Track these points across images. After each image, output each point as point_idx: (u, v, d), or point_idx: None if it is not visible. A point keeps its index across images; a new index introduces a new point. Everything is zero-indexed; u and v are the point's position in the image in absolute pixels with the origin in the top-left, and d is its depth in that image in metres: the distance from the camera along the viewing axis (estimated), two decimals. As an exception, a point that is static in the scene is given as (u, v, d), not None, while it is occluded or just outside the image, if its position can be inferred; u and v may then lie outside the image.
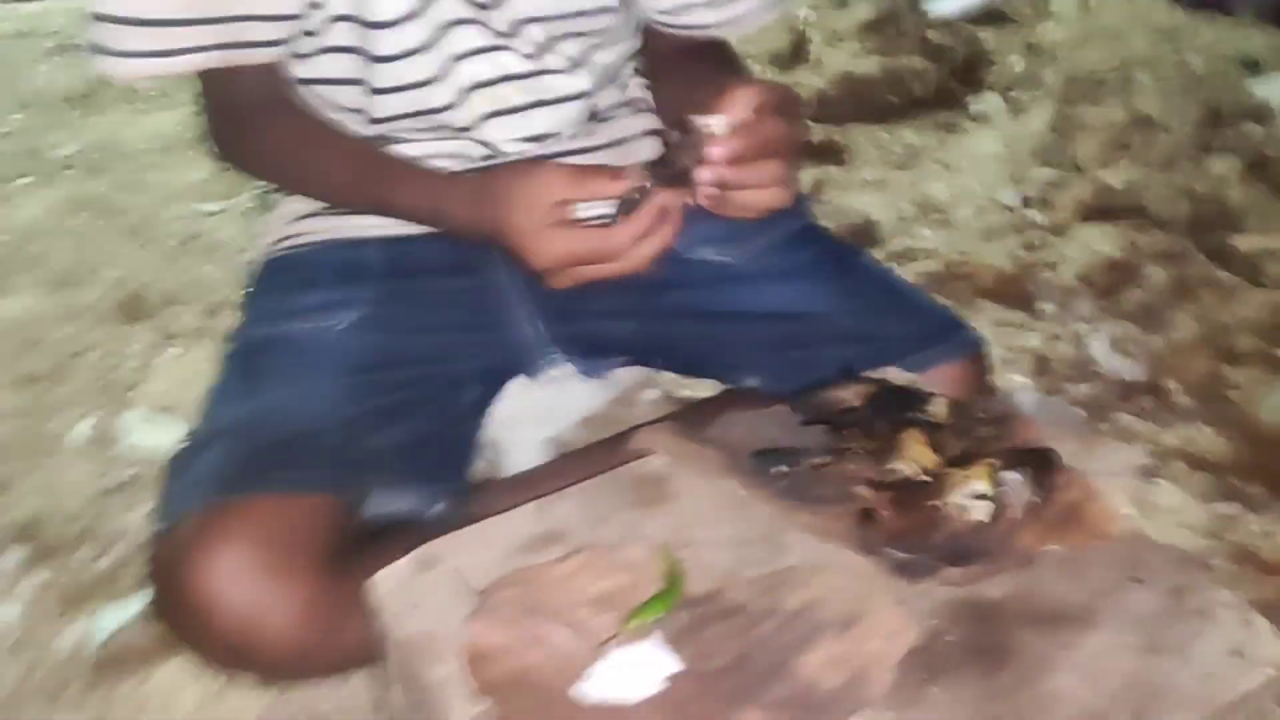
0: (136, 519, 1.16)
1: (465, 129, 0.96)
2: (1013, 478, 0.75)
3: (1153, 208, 1.79)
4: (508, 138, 0.97)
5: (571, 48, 0.97)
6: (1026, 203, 1.89)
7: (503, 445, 1.16)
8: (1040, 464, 0.77)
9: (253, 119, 0.93)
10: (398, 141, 0.96)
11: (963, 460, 0.77)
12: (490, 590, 0.71)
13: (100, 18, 0.86)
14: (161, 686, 0.97)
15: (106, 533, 1.15)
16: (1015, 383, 1.44)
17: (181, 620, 0.79)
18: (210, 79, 0.92)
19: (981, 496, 0.75)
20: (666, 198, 0.81)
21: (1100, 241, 1.69)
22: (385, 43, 0.89)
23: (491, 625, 0.69)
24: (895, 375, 0.91)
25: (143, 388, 1.38)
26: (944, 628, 0.69)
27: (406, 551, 0.74)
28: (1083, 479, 0.78)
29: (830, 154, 2.14)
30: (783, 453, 0.80)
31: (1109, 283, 1.59)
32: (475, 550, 0.76)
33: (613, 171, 0.83)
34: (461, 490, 0.95)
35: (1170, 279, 1.58)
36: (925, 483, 0.78)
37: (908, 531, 0.75)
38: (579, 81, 0.98)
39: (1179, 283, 1.58)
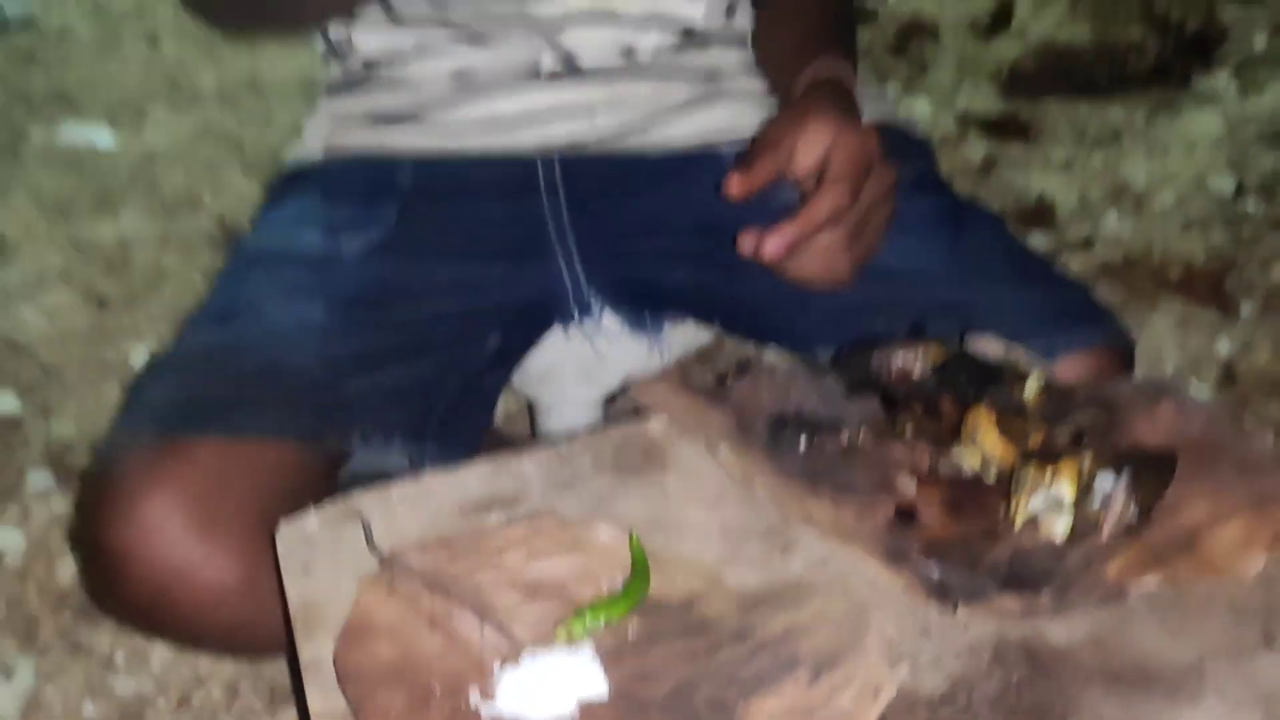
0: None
1: (548, 26, 0.81)
2: (1109, 484, 0.55)
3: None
4: (592, 44, 0.82)
5: None
6: (1241, 191, 1.59)
7: (543, 404, 1.01)
8: (1154, 470, 0.56)
9: None
10: (439, 23, 0.82)
11: (1048, 456, 0.56)
12: (397, 555, 0.56)
13: None
14: (138, 639, 0.88)
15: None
16: (1199, 392, 1.18)
17: (96, 572, 0.69)
18: None
19: (1062, 505, 0.55)
20: None
21: (1327, 240, 1.39)
22: None
23: (385, 598, 0.54)
24: (994, 347, 0.70)
25: (210, 318, 1.32)
26: (977, 678, 0.49)
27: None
28: (1213, 496, 0.56)
29: (1012, 129, 1.89)
30: (809, 423, 0.61)
31: (1330, 286, 1.30)
32: (403, 509, 0.61)
33: None
34: (468, 449, 0.80)
35: None
36: (991, 485, 0.58)
37: (957, 541, 0.56)
38: (695, 8, 0.83)
39: None
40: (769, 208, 0.81)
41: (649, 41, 0.84)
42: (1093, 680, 0.49)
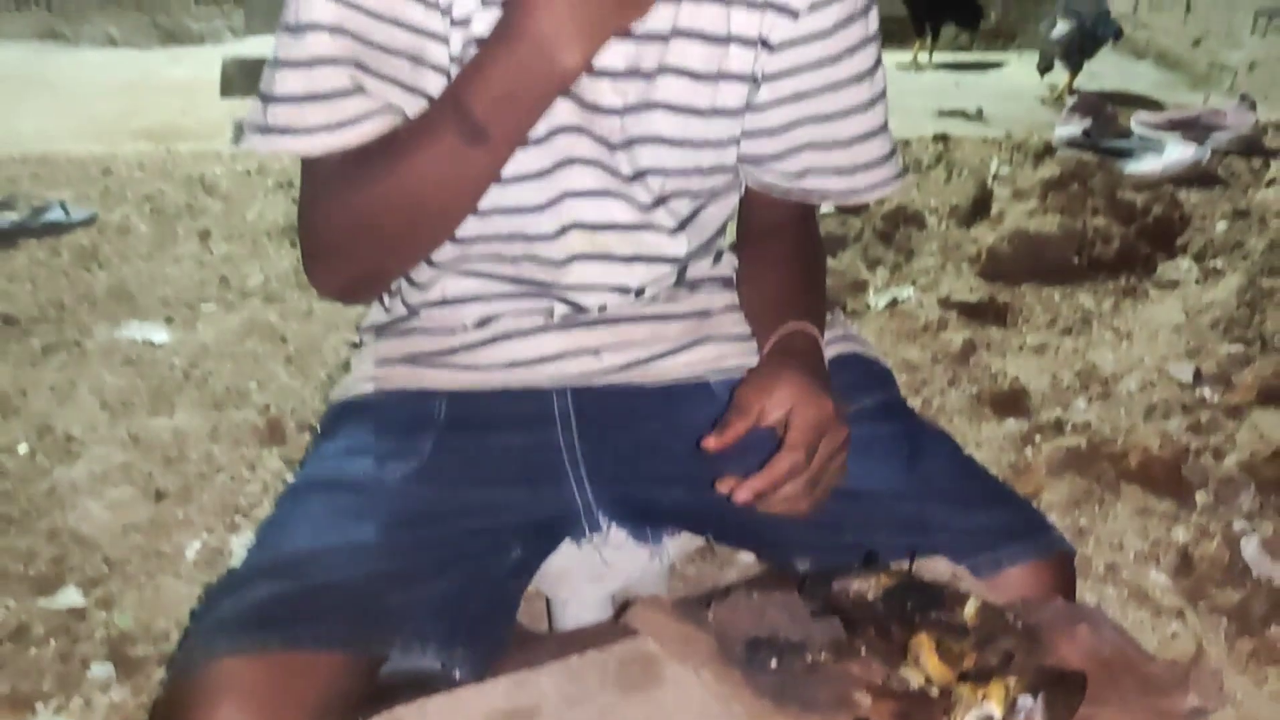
0: (215, 641, 1.20)
1: (553, 264, 0.96)
2: (1029, 703, 0.66)
3: (1345, 393, 1.60)
4: (593, 283, 0.97)
5: (681, 207, 0.97)
6: (1199, 378, 1.73)
7: (559, 600, 1.13)
8: (1068, 690, 0.67)
9: (330, 184, 0.88)
10: (467, 273, 0.97)
11: (980, 676, 0.68)
12: (438, 764, 0.68)
13: (272, 99, 0.84)
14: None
15: (185, 652, 1.19)
16: (1154, 580, 1.29)
17: None
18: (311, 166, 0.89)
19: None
20: None
21: (1276, 428, 1.51)
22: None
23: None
24: (942, 567, 0.82)
25: (257, 511, 1.45)
26: None
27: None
28: (1119, 711, 0.67)
29: (990, 314, 2.04)
30: (779, 645, 0.73)
31: (1278, 476, 1.42)
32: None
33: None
34: (494, 649, 0.92)
35: (1353, 475, 1.39)
36: (934, 698, 0.69)
37: (903, 751, 0.67)
38: (678, 245, 0.98)
39: (1363, 480, 1.39)
40: (747, 441, 0.95)
41: (640, 277, 0.99)
42: None
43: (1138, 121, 3.24)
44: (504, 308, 0.98)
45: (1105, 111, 3.08)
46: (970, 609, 0.75)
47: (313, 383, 1.79)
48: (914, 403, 1.70)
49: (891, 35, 4.35)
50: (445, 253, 0.97)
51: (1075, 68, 3.75)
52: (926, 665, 0.70)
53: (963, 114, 3.60)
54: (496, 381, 0.99)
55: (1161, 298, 2.06)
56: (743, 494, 0.81)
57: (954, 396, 1.73)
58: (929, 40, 4.28)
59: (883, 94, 0.95)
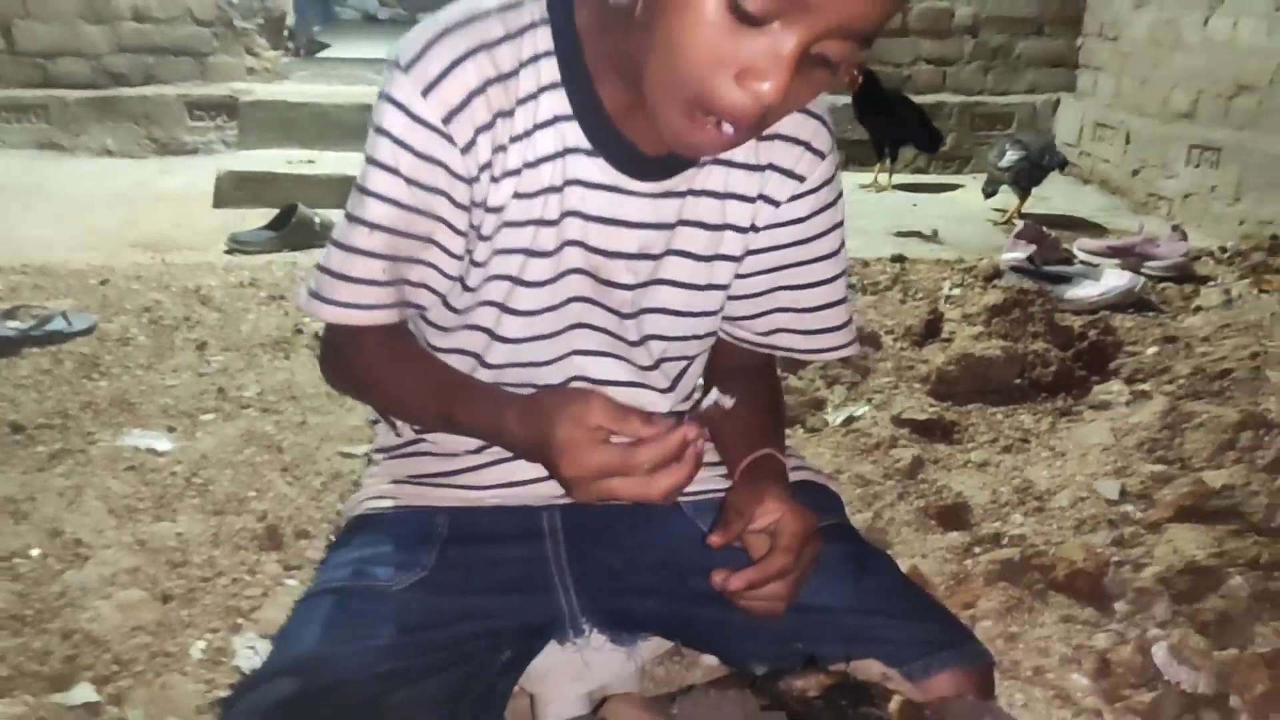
0: (222, 735, 1.31)
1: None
2: (936, 787, 0.80)
3: (1252, 513, 1.76)
4: None
5: (673, 369, 1.13)
6: (1124, 495, 1.89)
7: (543, 698, 1.25)
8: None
9: (353, 339, 1.05)
10: None
11: (899, 762, 0.82)
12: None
13: (321, 269, 0.98)
14: None
15: (193, 749, 1.30)
16: (1076, 683, 1.43)
17: None
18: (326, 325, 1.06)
19: (907, 800, 0.79)
20: (690, 430, 0.89)
21: (1190, 544, 1.67)
22: (514, 327, 1.03)
23: None
24: (875, 668, 0.96)
25: (257, 613, 1.56)
26: None
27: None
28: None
29: (938, 432, 2.21)
30: (732, 736, 0.87)
31: (1190, 588, 1.57)
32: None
33: (646, 415, 0.91)
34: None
35: (1255, 589, 1.55)
36: (863, 780, 0.83)
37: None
38: (667, 401, 1.13)
39: (1263, 594, 1.54)
40: (725, 554, 1.10)
41: None
42: None
43: (1079, 248, 3.48)
44: None
45: (1048, 239, 3.31)
46: (894, 705, 0.89)
47: (308, 492, 1.92)
48: (866, 515, 1.84)
49: (853, 158, 4.64)
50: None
51: (1024, 194, 4.00)
52: (856, 754, 0.84)
53: (919, 234, 3.83)
54: (493, 500, 1.14)
55: (1094, 418, 2.23)
56: (735, 583, 0.95)
57: (903, 509, 1.88)
58: (889, 164, 4.54)
59: (845, 271, 1.12)
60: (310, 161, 4.17)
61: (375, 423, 1.22)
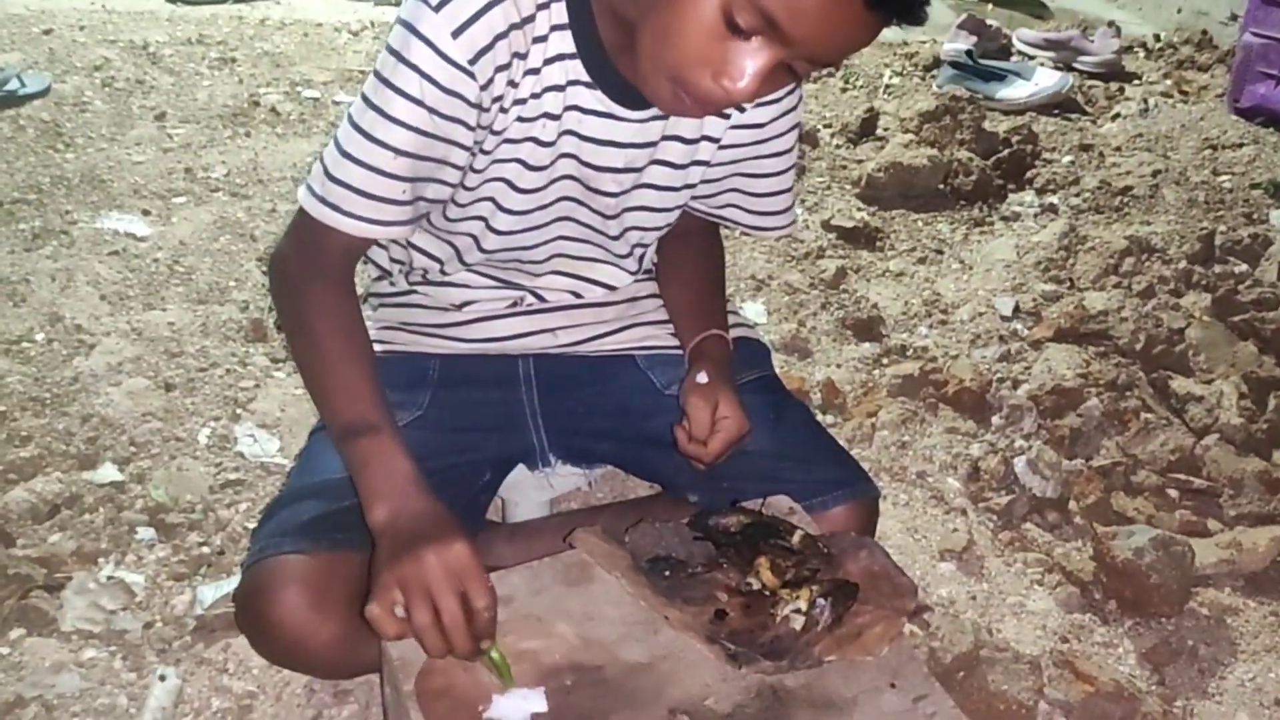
0: (236, 515, 1.55)
1: (532, 275, 1.29)
2: (822, 603, 1.07)
3: (1119, 336, 2.03)
4: (558, 288, 1.31)
5: (639, 250, 1.31)
6: (1016, 313, 2.14)
7: (512, 503, 1.51)
8: (847, 594, 1.08)
9: (311, 287, 1.11)
10: (461, 268, 1.28)
11: (796, 583, 1.08)
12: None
13: (334, 179, 1.04)
14: (239, 651, 1.35)
15: (212, 523, 1.54)
16: (950, 485, 1.73)
17: (255, 633, 1.14)
18: (317, 228, 1.23)
19: (799, 612, 1.06)
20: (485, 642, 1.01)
21: (1062, 364, 1.94)
22: (506, 222, 1.19)
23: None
24: (784, 504, 1.22)
25: (253, 404, 1.76)
26: (749, 704, 1.01)
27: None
28: (874, 608, 1.09)
29: (862, 239, 2.42)
30: (669, 561, 1.12)
31: (1054, 405, 1.85)
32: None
33: (492, 591, 0.99)
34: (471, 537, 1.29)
35: (1107, 408, 1.83)
36: (766, 597, 1.10)
37: (745, 630, 1.07)
38: (631, 273, 1.32)
39: (1114, 412, 1.83)
40: (670, 404, 1.31)
41: (596, 294, 1.33)
42: (803, 705, 1.01)
43: (1018, 38, 3.59)
44: (483, 295, 1.31)
45: (989, 30, 3.41)
46: (797, 538, 1.15)
47: (284, 282, 2.08)
48: (791, 325, 2.07)
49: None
50: (447, 258, 1.28)
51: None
52: (763, 576, 1.10)
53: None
54: (476, 350, 1.33)
55: (1003, 231, 2.45)
56: (692, 449, 1.20)
57: (824, 319, 2.11)
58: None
59: (794, 165, 1.29)
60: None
61: (378, 278, 1.38)
